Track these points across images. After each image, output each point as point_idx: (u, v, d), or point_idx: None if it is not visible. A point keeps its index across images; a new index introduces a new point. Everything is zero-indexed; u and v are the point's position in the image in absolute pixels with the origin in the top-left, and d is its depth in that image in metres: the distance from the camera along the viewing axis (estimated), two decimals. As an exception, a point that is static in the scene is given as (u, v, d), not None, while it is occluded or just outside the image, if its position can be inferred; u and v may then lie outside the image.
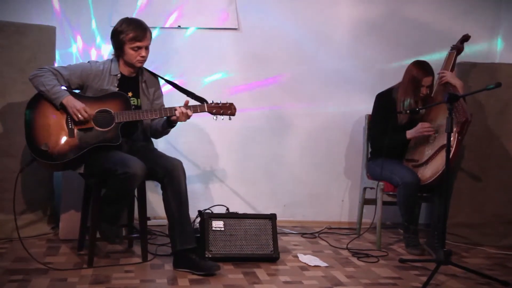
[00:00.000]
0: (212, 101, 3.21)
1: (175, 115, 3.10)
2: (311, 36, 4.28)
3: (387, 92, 3.86)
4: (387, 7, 4.34)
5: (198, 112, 3.17)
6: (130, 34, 3.11)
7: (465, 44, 3.87)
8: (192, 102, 3.20)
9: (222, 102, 3.21)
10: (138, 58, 3.16)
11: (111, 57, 3.26)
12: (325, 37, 4.29)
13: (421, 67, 3.68)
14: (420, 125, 3.67)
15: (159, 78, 3.40)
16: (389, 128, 3.63)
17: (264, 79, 4.26)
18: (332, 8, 4.29)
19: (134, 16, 3.47)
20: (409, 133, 3.70)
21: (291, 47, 4.26)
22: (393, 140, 3.71)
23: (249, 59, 4.23)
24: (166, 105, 3.30)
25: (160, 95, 3.38)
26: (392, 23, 4.35)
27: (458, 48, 3.82)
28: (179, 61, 4.12)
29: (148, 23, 3.21)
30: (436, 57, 3.91)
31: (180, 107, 3.11)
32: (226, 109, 3.21)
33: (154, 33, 3.46)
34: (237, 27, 4.17)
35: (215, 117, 3.21)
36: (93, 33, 3.99)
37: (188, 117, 3.12)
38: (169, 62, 4.08)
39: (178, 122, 3.16)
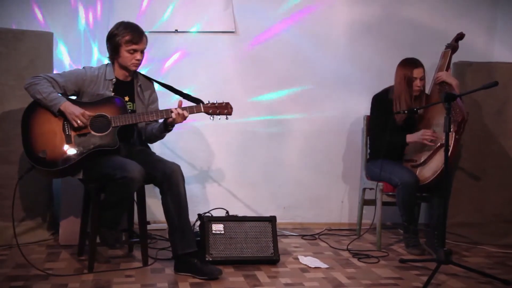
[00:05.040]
0: (208, 101, 3.20)
1: (171, 116, 3.09)
2: (308, 39, 4.28)
3: (383, 93, 3.86)
4: (383, 9, 4.35)
5: (194, 113, 3.16)
6: (126, 36, 3.12)
7: (462, 44, 3.87)
8: (188, 103, 3.20)
9: (218, 101, 3.20)
10: (133, 61, 3.16)
11: (107, 62, 3.26)
12: (322, 39, 4.30)
13: (408, 62, 3.71)
14: (422, 131, 3.64)
15: (154, 82, 3.39)
16: (388, 128, 3.64)
17: (261, 81, 4.26)
18: (328, 10, 4.29)
19: (132, 20, 3.46)
20: (409, 137, 3.69)
21: (288, 49, 4.26)
22: (393, 142, 3.71)
23: (246, 62, 4.23)
24: (162, 108, 3.28)
25: (155, 99, 3.37)
26: (388, 24, 4.35)
27: (453, 47, 3.83)
28: (176, 65, 4.12)
29: (146, 27, 3.22)
30: (432, 58, 3.92)
31: (176, 108, 3.10)
32: (222, 109, 3.19)
33: (152, 37, 3.46)
34: (234, 30, 4.18)
35: (211, 117, 3.20)
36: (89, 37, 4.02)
37: (184, 118, 3.10)
38: (166, 66, 4.08)
39: (175, 126, 3.15)
